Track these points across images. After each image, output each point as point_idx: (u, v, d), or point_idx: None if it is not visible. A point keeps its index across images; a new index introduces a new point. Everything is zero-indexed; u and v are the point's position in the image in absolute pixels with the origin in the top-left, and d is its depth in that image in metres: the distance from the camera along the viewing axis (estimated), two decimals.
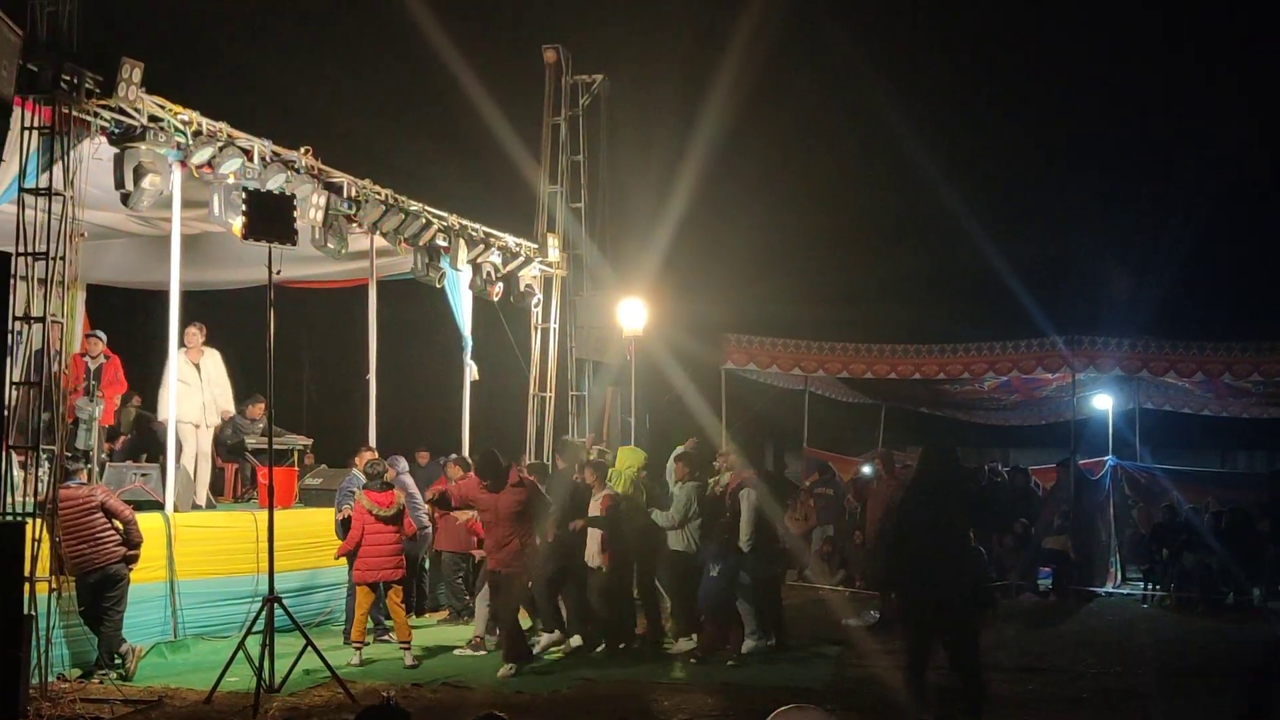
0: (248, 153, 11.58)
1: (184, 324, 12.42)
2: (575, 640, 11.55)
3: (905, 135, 24.40)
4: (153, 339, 13.41)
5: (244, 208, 9.46)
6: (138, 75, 10.26)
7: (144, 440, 13.75)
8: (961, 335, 19.75)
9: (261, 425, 13.57)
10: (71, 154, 9.76)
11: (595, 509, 11.74)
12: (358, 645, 10.97)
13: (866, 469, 18.21)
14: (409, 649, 10.99)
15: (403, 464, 13.50)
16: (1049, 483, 19.07)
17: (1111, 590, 17.41)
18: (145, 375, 13.89)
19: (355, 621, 11.15)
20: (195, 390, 12.95)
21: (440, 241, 14.61)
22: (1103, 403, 20.82)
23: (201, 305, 15.16)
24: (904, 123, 24.27)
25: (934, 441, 9.15)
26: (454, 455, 14.15)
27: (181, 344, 12.54)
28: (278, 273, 9.61)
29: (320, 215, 12.56)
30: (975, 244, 23.24)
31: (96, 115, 10.21)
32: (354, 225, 13.33)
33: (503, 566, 10.70)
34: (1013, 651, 11.99)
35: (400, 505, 11.30)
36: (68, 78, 9.73)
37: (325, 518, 12.39)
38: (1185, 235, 24.16)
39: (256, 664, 9.04)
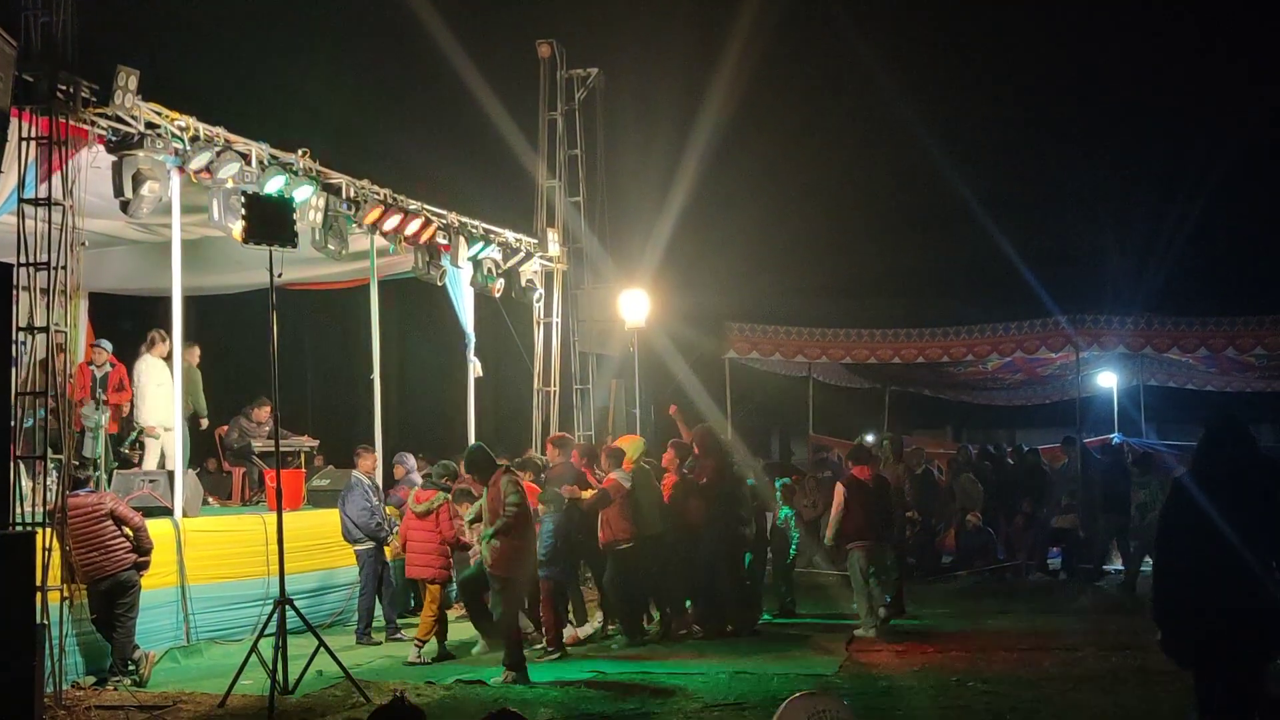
0: (245, 156, 11.58)
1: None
2: (588, 628, 11.64)
3: (906, 119, 24.37)
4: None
5: (243, 212, 9.49)
6: (133, 83, 10.25)
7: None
8: (964, 317, 19.75)
9: (267, 428, 13.60)
10: (70, 163, 9.76)
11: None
12: (419, 643, 10.99)
13: (869, 437, 18.18)
14: (420, 646, 10.97)
15: (411, 461, 13.52)
16: (1058, 463, 19.07)
17: (1121, 568, 17.37)
18: None
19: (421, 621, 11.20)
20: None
21: (440, 239, 14.61)
22: (1107, 380, 20.79)
23: (204, 310, 15.20)
24: (904, 106, 24.25)
25: (1217, 414, 6.49)
26: None
27: (150, 350, 12.77)
28: (279, 275, 9.65)
29: (320, 217, 12.58)
30: (977, 224, 23.20)
31: (93, 124, 10.20)
32: (354, 226, 13.35)
33: (490, 569, 10.38)
34: (1027, 631, 12.13)
35: (432, 504, 11.31)
36: (63, 87, 9.71)
37: (334, 519, 12.40)
38: (1188, 210, 24.12)
39: (270, 666, 9.07)
